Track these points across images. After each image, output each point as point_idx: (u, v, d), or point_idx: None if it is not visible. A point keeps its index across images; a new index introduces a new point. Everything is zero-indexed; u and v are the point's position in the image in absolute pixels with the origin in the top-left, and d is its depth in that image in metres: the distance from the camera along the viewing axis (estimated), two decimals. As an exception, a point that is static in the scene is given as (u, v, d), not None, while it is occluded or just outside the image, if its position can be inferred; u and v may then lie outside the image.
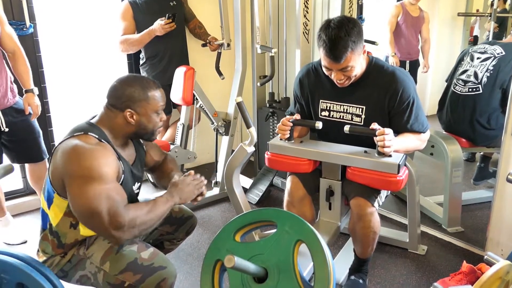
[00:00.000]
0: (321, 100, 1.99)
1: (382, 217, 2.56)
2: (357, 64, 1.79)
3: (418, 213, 2.34)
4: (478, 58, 2.67)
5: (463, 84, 2.70)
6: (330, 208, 2.02)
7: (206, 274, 1.44)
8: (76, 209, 1.43)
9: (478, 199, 2.95)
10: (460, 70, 2.75)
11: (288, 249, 1.34)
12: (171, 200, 1.59)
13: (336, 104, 1.95)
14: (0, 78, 2.29)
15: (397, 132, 1.86)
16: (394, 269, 2.28)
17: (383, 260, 2.35)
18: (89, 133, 1.49)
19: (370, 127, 1.75)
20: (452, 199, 2.58)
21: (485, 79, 2.62)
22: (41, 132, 2.54)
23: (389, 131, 1.73)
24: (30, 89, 2.41)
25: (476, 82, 2.64)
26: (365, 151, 1.82)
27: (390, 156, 1.76)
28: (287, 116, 1.97)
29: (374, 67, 1.90)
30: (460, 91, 2.71)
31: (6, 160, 2.48)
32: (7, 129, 2.34)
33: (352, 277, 2.07)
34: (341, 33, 1.70)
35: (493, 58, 2.61)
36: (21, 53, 2.38)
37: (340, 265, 2.18)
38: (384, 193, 1.99)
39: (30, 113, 2.41)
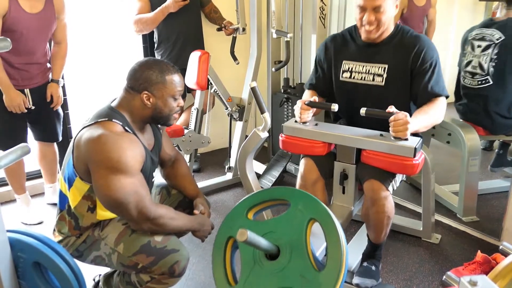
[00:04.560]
0: (344, 61, 2.03)
1: (396, 205, 2.54)
2: (389, 10, 1.85)
3: (432, 202, 2.32)
4: (478, 47, 2.58)
5: (471, 76, 2.63)
6: (343, 192, 2.01)
7: (218, 251, 1.43)
8: (102, 199, 1.47)
9: (494, 188, 2.90)
10: (465, 61, 2.67)
11: (301, 228, 1.33)
12: (190, 225, 1.63)
13: (359, 65, 1.99)
14: (40, 59, 2.44)
15: (415, 98, 1.92)
16: (407, 257, 2.26)
17: (396, 248, 2.34)
18: (113, 120, 1.49)
19: (387, 110, 1.75)
20: (468, 188, 2.55)
21: (492, 69, 2.54)
22: (61, 115, 2.67)
23: (404, 114, 1.72)
24: (57, 79, 2.55)
25: (484, 73, 2.57)
26: (381, 134, 1.81)
27: (406, 139, 1.74)
28: (304, 99, 1.97)
29: (400, 30, 1.97)
30: (470, 84, 2.65)
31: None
32: (33, 107, 2.45)
33: (365, 264, 2.06)
34: None
35: (493, 45, 2.51)
36: (66, 47, 2.56)
37: (353, 252, 2.17)
38: (399, 178, 1.97)
39: (51, 100, 2.54)
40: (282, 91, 3.16)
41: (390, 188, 1.88)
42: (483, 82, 2.58)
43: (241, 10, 2.92)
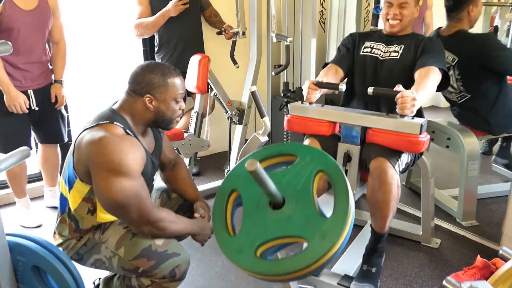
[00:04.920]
0: (367, 42, 2.26)
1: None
2: (411, 9, 2.13)
3: (432, 206, 2.32)
4: None
5: (449, 93, 2.64)
6: (346, 175, 1.99)
7: (220, 202, 1.40)
8: (103, 201, 1.46)
9: (494, 192, 2.91)
10: None
11: (308, 179, 1.31)
12: (190, 228, 1.63)
13: (380, 45, 2.21)
14: (41, 57, 2.46)
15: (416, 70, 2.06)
16: (407, 261, 2.26)
17: (395, 252, 2.34)
18: (114, 122, 1.49)
19: (394, 89, 1.79)
20: (468, 193, 2.55)
21: (462, 87, 2.55)
22: (66, 116, 2.69)
23: (411, 91, 1.76)
24: (60, 80, 2.58)
25: (457, 91, 2.57)
26: (387, 114, 1.85)
27: (412, 118, 1.78)
28: (312, 79, 2.01)
29: (416, 33, 2.25)
30: (452, 99, 2.66)
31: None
32: (37, 108, 2.47)
33: (365, 267, 2.04)
34: None
35: (452, 67, 2.50)
36: (64, 46, 2.58)
37: (352, 256, 2.17)
38: (404, 158, 1.97)
39: (56, 101, 2.57)
40: (282, 95, 3.16)
41: (396, 167, 1.89)
42: (462, 97, 2.59)
43: (241, 14, 2.93)
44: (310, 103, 1.99)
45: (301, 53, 3.05)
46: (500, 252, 1.36)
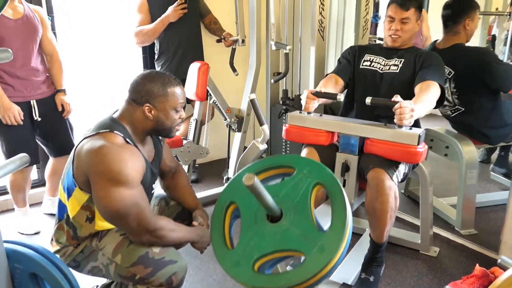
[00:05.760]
0: (366, 54, 2.28)
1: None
2: (412, 24, 2.16)
3: (430, 214, 2.32)
4: None
5: (442, 107, 2.65)
6: (344, 185, 1.99)
7: (218, 214, 1.40)
8: (102, 210, 1.46)
9: (492, 201, 2.91)
10: None
11: (306, 192, 1.31)
12: (189, 236, 1.63)
13: (379, 58, 2.24)
14: (38, 65, 2.46)
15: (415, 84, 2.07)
16: (405, 270, 2.26)
17: (394, 261, 2.33)
18: (114, 131, 1.50)
19: (392, 99, 1.79)
20: (466, 201, 2.55)
21: (457, 100, 2.55)
22: (72, 125, 2.67)
23: (410, 102, 1.77)
24: (62, 89, 2.58)
25: (452, 105, 2.58)
26: (385, 124, 1.85)
27: (410, 128, 1.78)
28: (310, 89, 2.02)
29: (416, 47, 2.27)
30: (446, 113, 2.66)
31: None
32: (39, 119, 2.47)
33: (363, 275, 2.04)
34: None
35: (448, 80, 2.51)
36: (58, 57, 2.58)
37: (351, 265, 2.16)
38: (402, 168, 1.98)
39: (63, 110, 2.57)
40: (281, 102, 3.16)
41: (395, 178, 1.89)
42: (455, 110, 2.60)
43: (240, 22, 2.94)
44: (309, 113, 1.99)
45: (300, 61, 3.06)
46: (499, 261, 1.37)
